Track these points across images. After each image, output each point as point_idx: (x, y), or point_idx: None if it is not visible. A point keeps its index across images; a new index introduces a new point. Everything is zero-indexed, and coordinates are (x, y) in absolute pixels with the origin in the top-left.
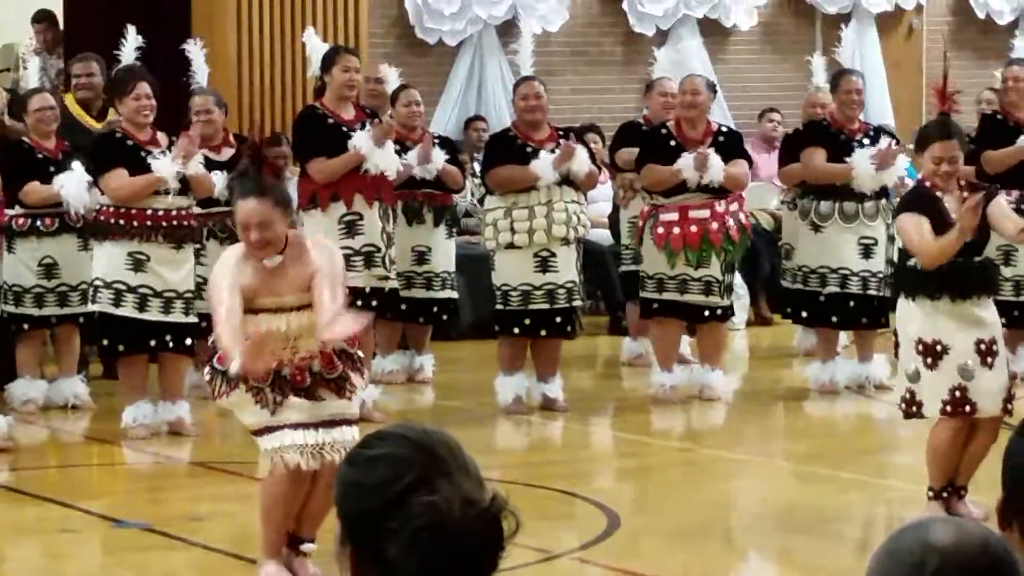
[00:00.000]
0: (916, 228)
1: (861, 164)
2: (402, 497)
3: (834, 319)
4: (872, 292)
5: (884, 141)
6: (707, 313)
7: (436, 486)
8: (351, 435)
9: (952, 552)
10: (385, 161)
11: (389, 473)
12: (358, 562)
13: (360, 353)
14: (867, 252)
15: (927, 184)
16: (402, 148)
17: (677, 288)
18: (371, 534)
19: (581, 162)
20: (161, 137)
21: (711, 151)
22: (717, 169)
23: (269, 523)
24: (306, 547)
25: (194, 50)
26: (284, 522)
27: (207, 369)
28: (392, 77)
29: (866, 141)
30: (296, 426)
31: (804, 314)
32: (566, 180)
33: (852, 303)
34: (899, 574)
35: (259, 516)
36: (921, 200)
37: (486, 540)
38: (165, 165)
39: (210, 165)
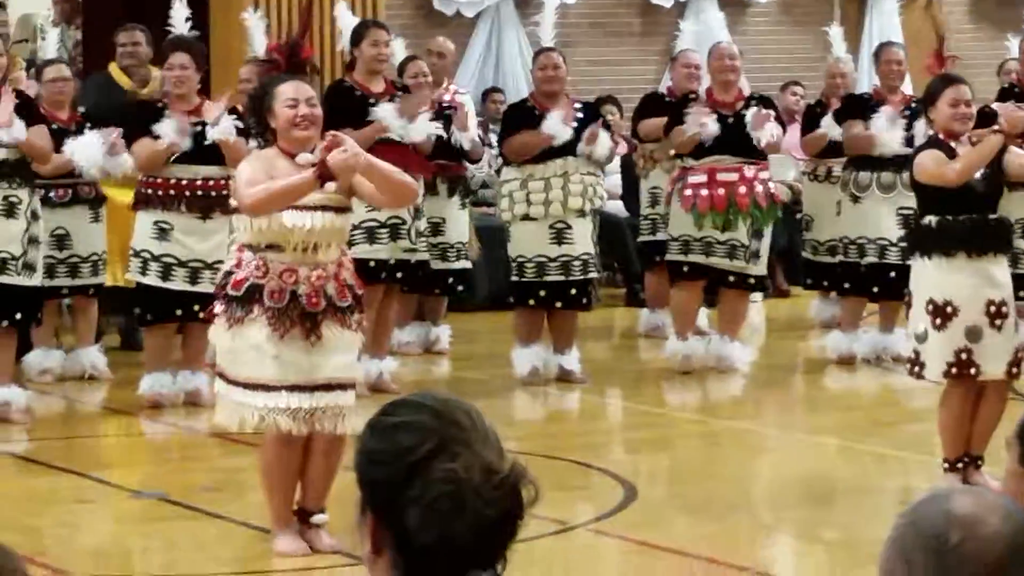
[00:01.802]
0: (934, 158)
1: (879, 125)
2: (422, 465)
3: (875, 289)
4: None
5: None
6: (732, 278)
7: (456, 454)
8: (347, 400)
9: (973, 523)
10: (419, 132)
11: (409, 441)
12: (378, 529)
13: (360, 295)
14: (906, 222)
15: (940, 136)
16: None
17: (703, 250)
18: (391, 502)
19: (603, 146)
20: (207, 107)
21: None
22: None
23: (271, 492)
24: (317, 519)
25: (253, 20)
26: (285, 490)
27: (221, 299)
28: (399, 49)
29: (907, 113)
30: (292, 388)
31: (846, 285)
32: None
33: (892, 273)
34: (921, 546)
35: (263, 488)
36: (936, 145)
37: (505, 509)
38: (167, 128)
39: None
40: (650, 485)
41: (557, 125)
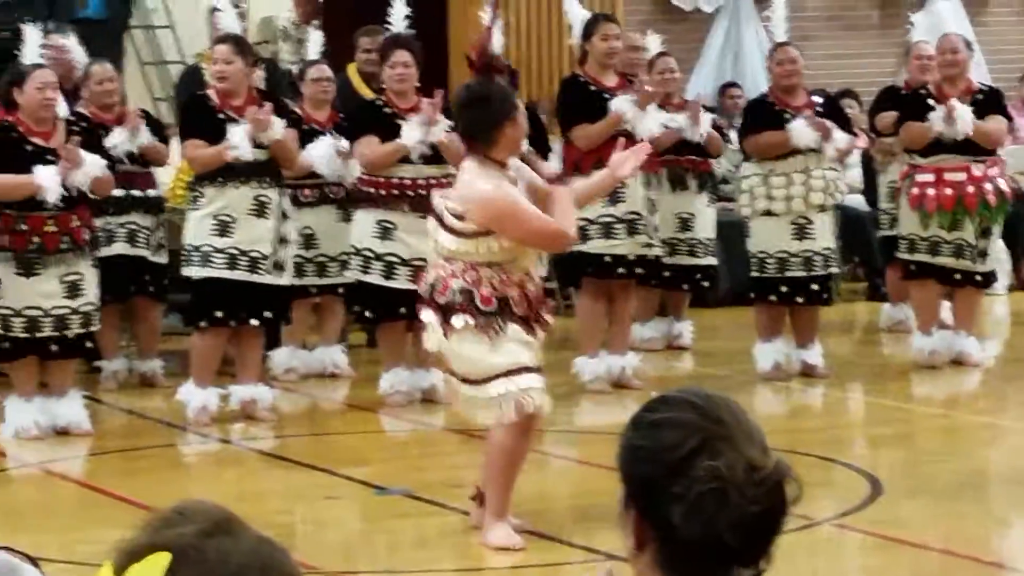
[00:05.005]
0: None
1: None
2: (686, 462)
3: None
4: None
5: None
6: (959, 277)
7: (719, 451)
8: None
9: None
10: (648, 125)
11: (673, 437)
12: (641, 525)
13: None
14: None
15: None
16: None
17: (928, 250)
18: (655, 498)
19: (838, 139)
20: (424, 104)
21: (958, 103)
22: (965, 122)
23: (501, 480)
24: None
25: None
26: (513, 479)
27: (467, 313)
28: (654, 44)
29: None
30: (529, 369)
31: None
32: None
33: None
34: None
35: (490, 475)
36: None
37: (769, 506)
38: (410, 131)
39: None
40: (894, 480)
41: (803, 133)
